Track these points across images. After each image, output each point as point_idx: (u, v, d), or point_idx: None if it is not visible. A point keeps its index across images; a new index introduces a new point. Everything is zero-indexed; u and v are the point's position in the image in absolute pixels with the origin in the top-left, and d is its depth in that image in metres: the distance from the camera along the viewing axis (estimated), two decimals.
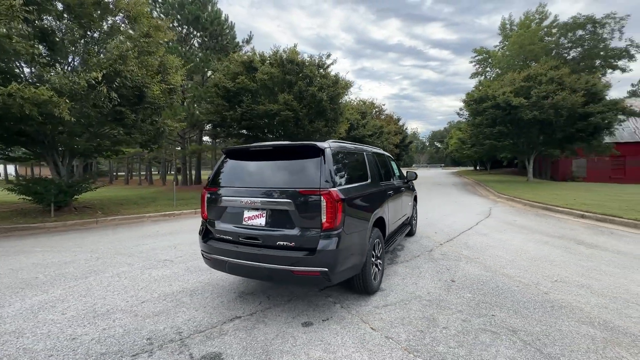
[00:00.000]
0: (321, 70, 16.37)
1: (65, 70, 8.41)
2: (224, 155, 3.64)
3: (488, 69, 39.61)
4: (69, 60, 9.05)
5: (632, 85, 56.71)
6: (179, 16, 20.17)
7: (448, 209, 10.65)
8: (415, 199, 7.01)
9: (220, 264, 3.22)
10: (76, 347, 2.64)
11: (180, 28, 20.53)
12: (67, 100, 7.17)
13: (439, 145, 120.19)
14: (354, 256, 3.09)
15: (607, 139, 22.66)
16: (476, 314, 3.16)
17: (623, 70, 28.81)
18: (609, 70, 29.72)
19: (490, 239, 6.35)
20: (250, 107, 15.12)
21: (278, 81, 15.39)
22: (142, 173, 43.46)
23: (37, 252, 5.77)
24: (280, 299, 3.59)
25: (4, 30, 6.81)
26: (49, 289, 3.96)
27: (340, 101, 17.39)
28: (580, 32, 28.95)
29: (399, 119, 43.21)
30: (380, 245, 3.86)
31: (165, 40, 10.63)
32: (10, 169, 46.74)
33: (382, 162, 4.85)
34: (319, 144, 3.09)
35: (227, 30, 23.22)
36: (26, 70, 8.60)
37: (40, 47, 8.04)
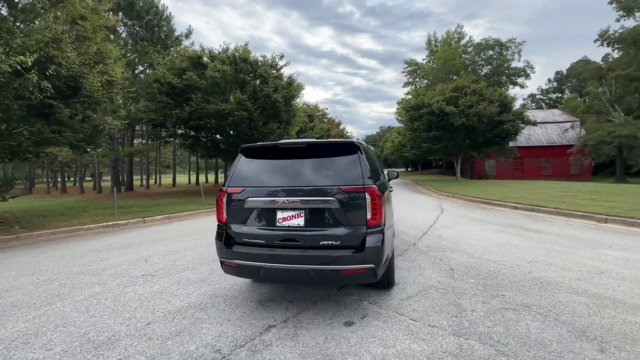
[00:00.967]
0: (274, 71, 16.13)
1: None
2: (241, 154, 3.37)
3: (417, 79, 43.84)
4: None
5: (523, 99, 68.76)
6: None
7: (405, 207, 11.46)
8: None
9: (252, 270, 2.96)
10: None
11: (111, 15, 18.07)
12: None
13: (373, 148, 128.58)
14: (389, 251, 3.16)
15: (511, 144, 27.15)
16: (490, 295, 3.50)
17: (522, 86, 34.79)
18: (511, 86, 35.63)
19: (457, 231, 7.05)
20: (199, 106, 14.10)
21: (230, 80, 14.68)
22: (57, 180, 36.89)
23: None
24: (304, 302, 3.45)
25: None
26: (5, 323, 3.15)
27: (293, 103, 17.36)
28: (490, 52, 34.10)
29: (339, 123, 44.94)
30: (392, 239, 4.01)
31: (106, 26, 9.29)
32: None
33: (377, 160, 5.04)
34: (355, 140, 3.09)
35: (164, 23, 21.29)
36: None
37: None
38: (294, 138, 21.60)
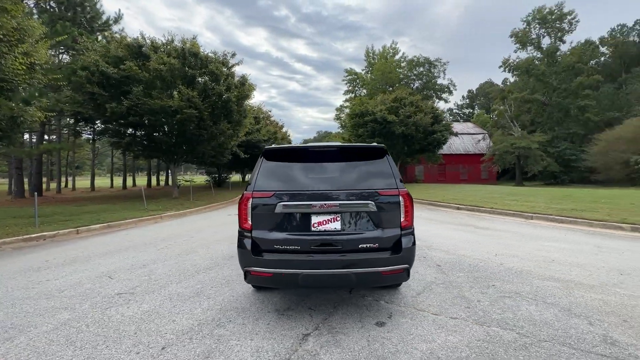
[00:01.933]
0: (225, 69, 15.36)
1: None
2: (262, 157, 3.18)
3: (357, 87, 46.26)
4: None
5: (443, 112, 77.90)
6: None
7: None
8: None
9: (289, 278, 2.81)
10: None
11: None
12: None
13: None
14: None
15: (437, 151, 30.63)
16: (483, 286, 3.94)
17: (445, 101, 39.46)
18: (437, 101, 40.18)
19: (421, 231, 7.65)
20: (141, 101, 12.63)
21: (178, 74, 13.49)
22: None
23: None
24: (324, 307, 3.41)
25: None
26: None
27: (245, 104, 16.76)
28: (420, 69, 37.96)
29: (282, 126, 44.71)
30: None
31: None
32: None
33: None
34: (381, 145, 3.18)
35: (88, 3, 18.54)
36: None
37: None
38: (243, 140, 20.82)
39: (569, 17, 38.21)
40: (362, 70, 45.00)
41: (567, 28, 38.95)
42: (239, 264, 4.81)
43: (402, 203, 2.94)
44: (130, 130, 14.50)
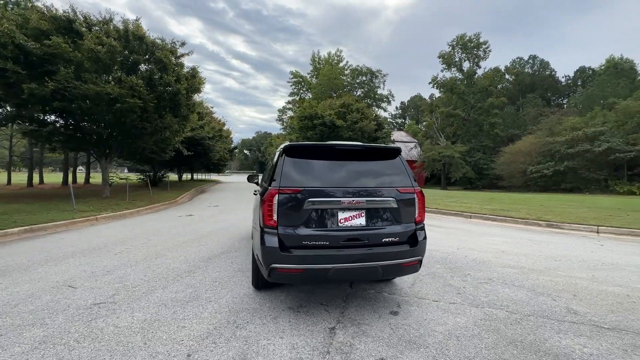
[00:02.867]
0: (172, 59, 14.16)
1: None
2: (284, 153, 3.14)
3: (302, 90, 46.80)
4: None
5: (385, 120, 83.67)
6: None
7: None
8: None
9: (320, 273, 2.84)
10: None
11: None
12: None
13: (248, 153, 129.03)
14: None
15: None
16: (461, 275, 4.48)
17: (385, 110, 42.44)
18: (376, 109, 43.00)
19: None
20: (71, 84, 10.89)
21: (120, 59, 11.99)
22: None
23: None
24: (335, 302, 3.50)
25: None
26: None
27: (194, 97, 15.66)
28: (363, 78, 40.22)
29: (224, 123, 42.60)
30: None
31: None
32: None
33: None
34: (397, 147, 3.42)
35: None
36: None
37: None
38: (186, 136, 19.38)
39: (483, 46, 44.63)
40: (308, 74, 45.77)
41: (482, 55, 45.40)
42: (221, 266, 4.61)
43: (417, 200, 3.22)
44: (54, 117, 12.31)
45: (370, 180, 3.20)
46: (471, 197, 16.28)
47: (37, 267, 4.74)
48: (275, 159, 3.46)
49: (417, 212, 3.24)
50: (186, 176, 36.43)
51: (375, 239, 3.04)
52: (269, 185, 3.04)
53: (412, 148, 46.52)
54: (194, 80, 14.47)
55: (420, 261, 3.21)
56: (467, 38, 44.11)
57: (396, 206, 3.11)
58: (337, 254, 2.88)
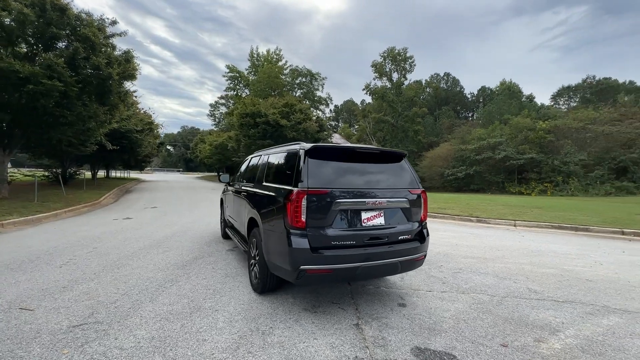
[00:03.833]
0: (101, 38, 12.28)
1: None
2: (307, 155, 3.11)
3: (239, 86, 45.01)
4: None
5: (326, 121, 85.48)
6: None
7: None
8: None
9: (348, 272, 2.92)
10: None
11: None
12: None
13: (171, 149, 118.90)
14: None
15: None
16: (437, 267, 5.02)
17: (323, 112, 43.59)
18: (315, 111, 43.91)
19: None
20: None
21: (33, 31, 9.89)
22: None
23: None
24: (344, 300, 3.61)
25: None
26: None
27: (126, 85, 13.82)
28: (303, 79, 40.63)
29: (151, 115, 38.10)
30: None
31: None
32: None
33: None
34: (403, 151, 3.68)
35: None
36: None
37: None
38: (114, 127, 16.97)
39: (409, 60, 49.49)
40: (246, 69, 44.23)
41: (408, 68, 50.28)
42: (203, 273, 4.32)
43: (422, 200, 3.54)
44: None
45: (386, 181, 3.40)
46: None
47: None
48: (290, 160, 3.40)
49: (422, 211, 3.56)
50: (101, 173, 31.66)
51: (393, 236, 3.25)
52: (294, 185, 3.00)
53: None
54: (127, 66, 12.77)
55: (425, 255, 3.54)
56: (397, 51, 48.29)
57: (408, 206, 3.38)
58: (363, 253, 3.01)
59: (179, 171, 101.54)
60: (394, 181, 3.45)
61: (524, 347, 2.69)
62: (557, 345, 2.74)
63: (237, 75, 44.21)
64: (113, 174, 36.43)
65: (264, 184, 3.89)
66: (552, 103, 57.53)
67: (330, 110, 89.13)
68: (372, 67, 49.70)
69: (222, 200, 7.08)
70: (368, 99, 57.64)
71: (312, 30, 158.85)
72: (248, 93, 42.05)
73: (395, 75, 49.67)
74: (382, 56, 49.00)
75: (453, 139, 41.32)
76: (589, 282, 4.45)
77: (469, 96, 70.17)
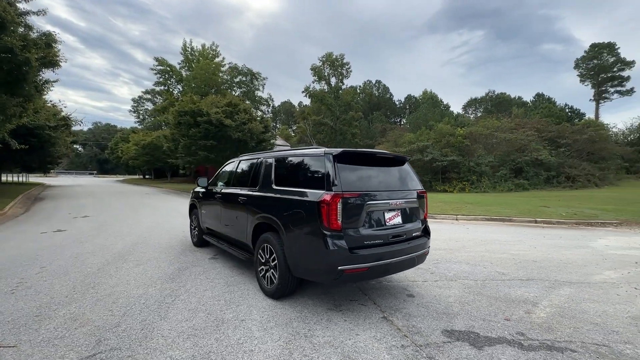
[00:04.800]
0: (14, 16, 10.18)
1: None
2: (335, 160, 3.21)
3: (169, 81, 41.37)
4: None
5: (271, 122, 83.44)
6: None
7: None
8: None
9: (381, 269, 3.14)
10: None
11: None
12: None
13: (81, 149, 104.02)
14: None
15: None
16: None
17: (264, 113, 42.79)
18: (255, 111, 42.89)
19: None
20: None
21: None
22: None
23: None
24: (358, 295, 3.82)
25: None
26: None
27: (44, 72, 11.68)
28: (242, 78, 39.32)
29: (62, 110, 32.19)
30: None
31: None
32: None
33: None
34: (405, 155, 4.03)
35: None
36: None
37: None
38: (20, 123, 14.12)
39: (346, 66, 51.96)
40: (178, 64, 40.88)
41: (345, 74, 52.73)
42: (200, 284, 4.14)
43: (425, 199, 3.96)
44: None
45: (400, 183, 3.72)
46: None
47: None
48: (314, 163, 3.44)
49: (425, 209, 3.97)
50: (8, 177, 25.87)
51: (409, 234, 3.58)
52: (327, 189, 3.08)
53: None
54: (49, 51, 10.83)
55: (429, 249, 3.96)
56: (334, 57, 50.19)
57: (417, 205, 3.75)
58: (391, 250, 3.26)
59: (91, 174, 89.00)
60: (404, 183, 3.79)
61: (522, 319, 3.26)
62: (542, 314, 3.39)
63: (169, 69, 40.56)
64: (4, 178, 30.15)
65: (275, 187, 3.84)
66: (463, 112, 66.71)
67: (268, 111, 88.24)
68: (312, 70, 50.77)
69: (192, 205, 6.60)
70: (306, 101, 58.61)
71: (243, 28, 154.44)
72: (181, 89, 38.97)
73: (333, 80, 51.56)
74: (321, 60, 50.41)
75: (387, 142, 44.72)
76: (535, 262, 5.47)
77: (397, 103, 76.67)
